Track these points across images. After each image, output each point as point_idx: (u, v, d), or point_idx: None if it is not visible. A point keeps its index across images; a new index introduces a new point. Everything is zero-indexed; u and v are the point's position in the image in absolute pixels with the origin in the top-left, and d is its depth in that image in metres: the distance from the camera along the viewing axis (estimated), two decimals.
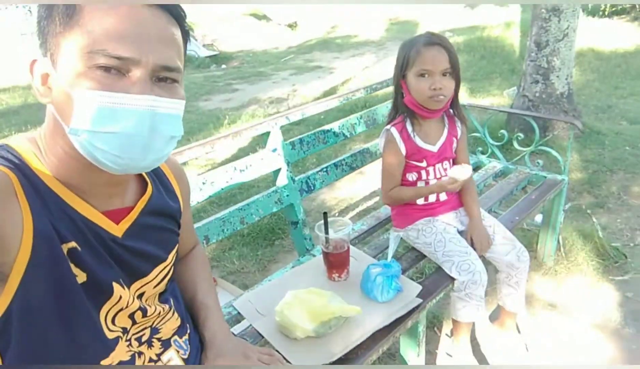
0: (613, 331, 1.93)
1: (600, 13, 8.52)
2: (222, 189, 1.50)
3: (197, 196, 1.43)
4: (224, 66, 9.31)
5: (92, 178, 0.74)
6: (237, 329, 1.36)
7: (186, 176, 1.04)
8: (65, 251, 0.71)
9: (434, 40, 1.50)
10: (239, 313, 1.40)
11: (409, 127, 1.60)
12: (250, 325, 1.34)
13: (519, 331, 1.86)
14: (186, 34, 0.76)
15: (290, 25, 13.33)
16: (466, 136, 1.74)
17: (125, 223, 0.80)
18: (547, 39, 3.63)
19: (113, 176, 0.73)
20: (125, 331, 0.83)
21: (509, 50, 6.85)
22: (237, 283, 2.41)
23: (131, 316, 0.83)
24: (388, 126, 1.62)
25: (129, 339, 0.84)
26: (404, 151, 1.60)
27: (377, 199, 3.23)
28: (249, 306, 1.42)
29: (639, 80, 5.38)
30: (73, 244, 0.72)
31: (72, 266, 0.72)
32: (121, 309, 0.81)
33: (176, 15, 0.73)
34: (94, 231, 0.75)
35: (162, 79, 0.71)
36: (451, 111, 1.66)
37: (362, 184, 3.40)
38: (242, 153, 3.86)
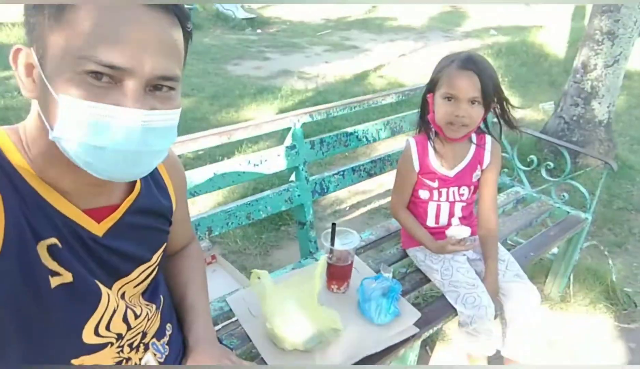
0: None
1: None
2: (233, 181, 1.45)
3: (206, 186, 1.38)
4: (259, 31, 9.16)
5: (76, 177, 0.68)
6: (226, 325, 1.34)
7: (182, 167, 0.98)
8: (44, 249, 0.66)
9: (468, 65, 1.37)
10: (231, 309, 1.38)
11: (429, 145, 1.53)
12: (240, 325, 1.31)
13: None
14: (189, 35, 0.69)
15: None
16: (498, 169, 1.59)
17: (108, 222, 0.76)
18: (595, 63, 3.42)
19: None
20: (119, 337, 0.80)
21: (552, 61, 6.58)
22: (236, 264, 2.39)
23: (125, 319, 0.80)
24: (410, 137, 1.55)
25: (122, 346, 0.81)
26: (417, 168, 1.53)
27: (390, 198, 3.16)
28: (242, 304, 1.39)
29: None
30: (53, 240, 0.67)
31: (55, 264, 0.68)
32: (114, 312, 0.77)
33: (180, 15, 0.65)
34: (72, 229, 0.70)
35: (158, 87, 0.65)
36: (486, 137, 1.56)
37: (378, 181, 3.32)
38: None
